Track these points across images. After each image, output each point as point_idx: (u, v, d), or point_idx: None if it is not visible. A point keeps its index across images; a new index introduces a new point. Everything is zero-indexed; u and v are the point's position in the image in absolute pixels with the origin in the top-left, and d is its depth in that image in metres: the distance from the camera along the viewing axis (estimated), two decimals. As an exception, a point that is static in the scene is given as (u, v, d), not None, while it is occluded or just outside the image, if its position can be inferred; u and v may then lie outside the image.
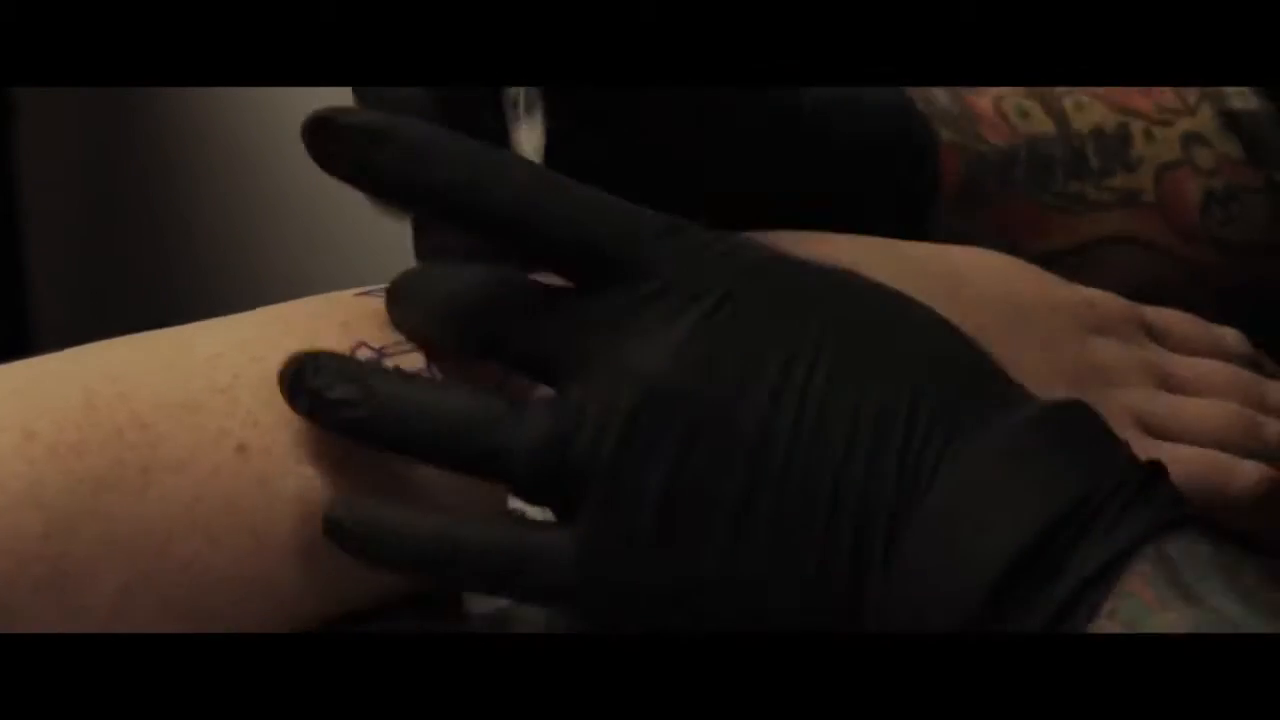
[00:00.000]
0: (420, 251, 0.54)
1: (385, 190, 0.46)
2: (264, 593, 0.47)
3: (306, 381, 0.46)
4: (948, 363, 0.46)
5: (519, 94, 0.51)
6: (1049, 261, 0.61)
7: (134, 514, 0.45)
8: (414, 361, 0.50)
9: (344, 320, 0.50)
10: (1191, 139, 0.67)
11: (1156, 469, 0.45)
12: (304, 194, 1.67)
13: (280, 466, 0.47)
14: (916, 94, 0.63)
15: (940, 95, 0.64)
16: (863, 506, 0.43)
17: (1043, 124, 0.65)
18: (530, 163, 0.48)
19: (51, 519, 0.45)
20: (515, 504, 0.47)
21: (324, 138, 0.46)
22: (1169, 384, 0.59)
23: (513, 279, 0.48)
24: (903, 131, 0.62)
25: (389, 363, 0.49)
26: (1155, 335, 0.60)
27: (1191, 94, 0.68)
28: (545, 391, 0.47)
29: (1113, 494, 0.43)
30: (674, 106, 0.55)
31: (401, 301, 0.49)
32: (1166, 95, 0.68)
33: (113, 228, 1.96)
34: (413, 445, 0.46)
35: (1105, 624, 0.42)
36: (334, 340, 0.49)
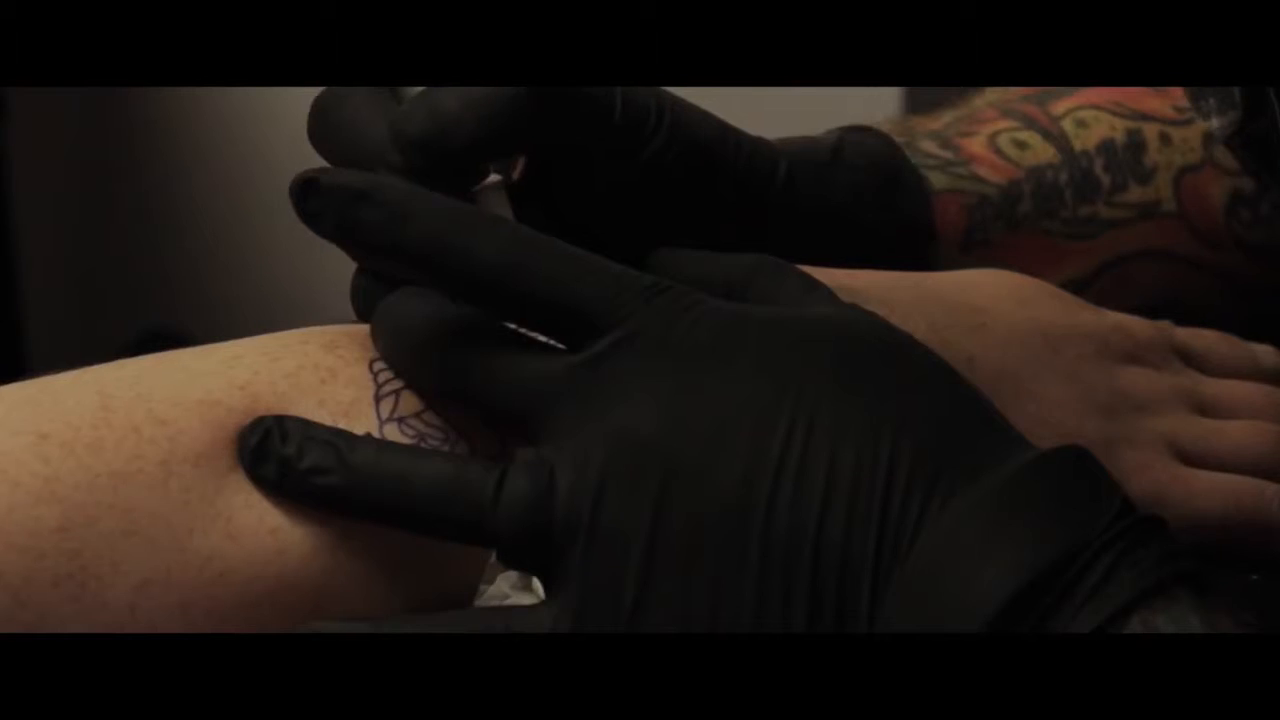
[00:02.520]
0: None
1: (367, 248, 0.46)
2: (281, 596, 0.46)
3: (273, 448, 0.46)
4: (933, 416, 0.45)
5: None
6: (1069, 289, 0.59)
7: (154, 506, 0.45)
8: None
9: (363, 339, 0.49)
10: (1214, 137, 0.65)
11: (1152, 521, 0.44)
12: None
13: None
14: (904, 145, 0.62)
15: (929, 143, 0.63)
16: (844, 565, 0.43)
17: (1044, 153, 0.64)
18: (513, 223, 0.48)
19: (69, 513, 0.44)
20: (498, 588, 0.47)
21: (309, 197, 0.46)
22: (1204, 408, 0.58)
23: (486, 324, 0.47)
24: (889, 185, 0.60)
25: (396, 385, 0.48)
26: (1188, 357, 0.59)
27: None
28: (526, 450, 0.46)
29: (1099, 554, 0.42)
30: (655, 184, 0.54)
31: (380, 334, 0.49)
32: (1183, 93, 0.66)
33: (106, 227, 1.96)
34: (391, 515, 0.46)
35: None
36: (352, 355, 0.49)
